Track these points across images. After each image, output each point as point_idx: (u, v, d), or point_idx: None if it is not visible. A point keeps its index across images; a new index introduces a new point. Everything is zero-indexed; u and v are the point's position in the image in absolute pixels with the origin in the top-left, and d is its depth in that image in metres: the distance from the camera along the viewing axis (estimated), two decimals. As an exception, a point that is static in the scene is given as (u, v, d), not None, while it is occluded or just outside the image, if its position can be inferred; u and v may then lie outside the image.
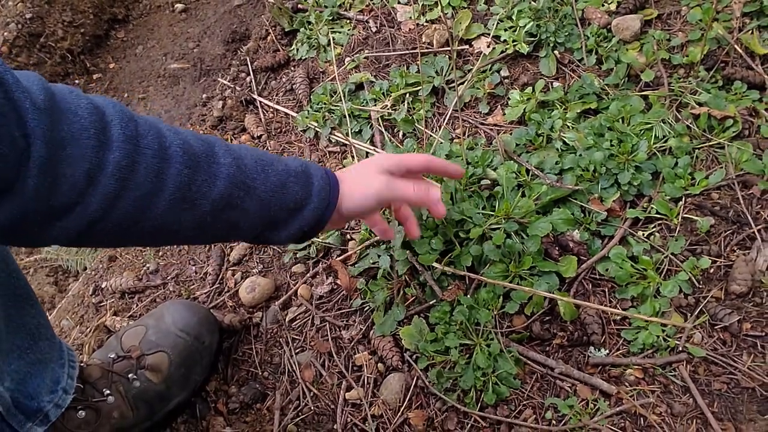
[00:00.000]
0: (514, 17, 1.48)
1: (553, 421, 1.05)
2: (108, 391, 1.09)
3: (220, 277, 1.35)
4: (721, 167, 1.19)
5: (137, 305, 1.35)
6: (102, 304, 1.38)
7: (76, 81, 2.06)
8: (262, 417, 1.18)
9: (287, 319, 1.27)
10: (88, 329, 1.31)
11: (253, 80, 1.66)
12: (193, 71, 2.00)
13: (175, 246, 1.42)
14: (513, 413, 1.07)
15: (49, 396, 0.99)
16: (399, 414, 1.11)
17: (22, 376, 0.94)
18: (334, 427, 1.13)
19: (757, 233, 1.13)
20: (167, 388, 1.15)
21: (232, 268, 1.36)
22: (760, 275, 1.09)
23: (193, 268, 1.38)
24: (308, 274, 1.31)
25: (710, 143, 1.23)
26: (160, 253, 1.43)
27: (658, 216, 1.18)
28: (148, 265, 1.40)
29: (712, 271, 1.12)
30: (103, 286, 1.40)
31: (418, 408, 1.12)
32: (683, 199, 1.18)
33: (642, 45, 1.38)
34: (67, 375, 1.03)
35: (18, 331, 0.93)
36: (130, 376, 1.12)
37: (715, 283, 1.11)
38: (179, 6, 2.20)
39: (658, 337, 1.07)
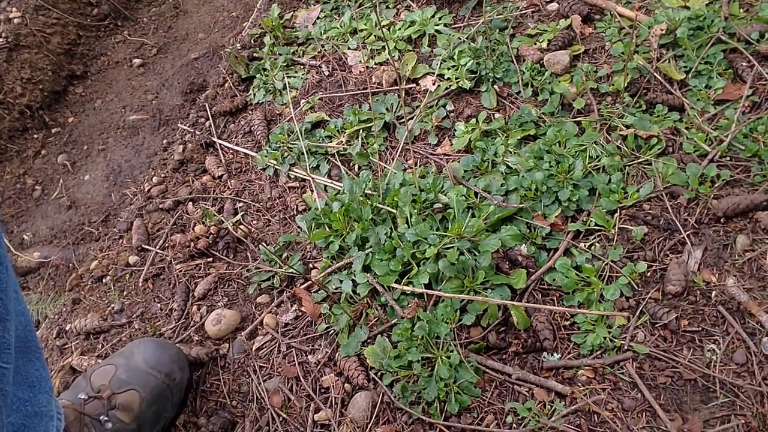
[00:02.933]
0: (455, 57, 1.61)
1: (514, 425, 1.10)
2: None
3: (186, 312, 1.37)
4: (650, 181, 1.31)
5: (103, 345, 1.36)
6: (66, 346, 1.38)
7: (35, 135, 2.09)
8: (232, 445, 1.19)
9: (254, 348, 1.30)
10: (53, 371, 1.30)
11: (212, 124, 1.73)
12: (152, 122, 2.06)
13: (139, 284, 1.44)
14: (476, 420, 1.12)
15: None
16: (367, 430, 1.14)
17: (16, 428, 0.93)
18: (304, 449, 1.15)
19: (686, 238, 1.23)
20: (138, 427, 1.15)
21: (197, 303, 1.38)
22: (692, 275, 1.18)
23: (158, 305, 1.40)
24: (273, 304, 1.35)
25: (639, 160, 1.34)
26: (125, 293, 1.44)
27: (597, 228, 1.28)
28: (112, 305, 1.42)
29: (649, 274, 1.21)
30: (67, 328, 1.40)
31: (385, 423, 1.15)
32: (618, 211, 1.29)
33: (572, 77, 1.51)
34: (54, 428, 1.02)
35: (22, 384, 0.93)
36: (101, 418, 1.11)
37: (653, 285, 1.20)
38: (137, 61, 2.28)
39: (604, 338, 1.15)
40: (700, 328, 1.14)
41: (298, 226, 1.45)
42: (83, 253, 1.72)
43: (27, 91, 2.07)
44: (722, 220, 1.23)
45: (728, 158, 1.30)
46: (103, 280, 1.49)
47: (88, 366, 1.29)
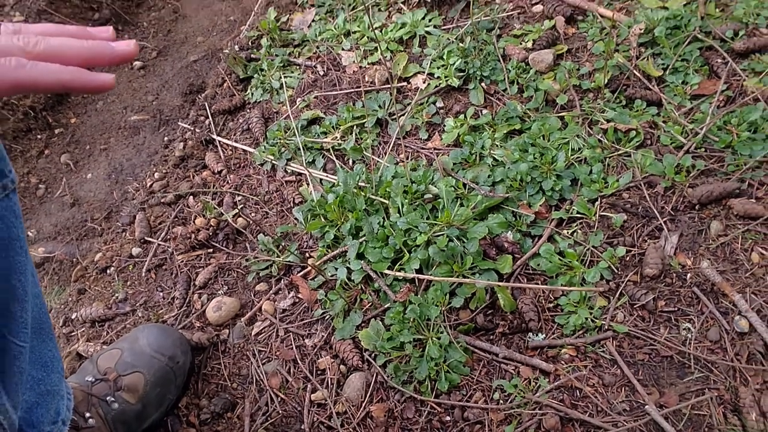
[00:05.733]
0: (444, 56, 1.68)
1: (501, 401, 1.16)
2: (89, 414, 1.14)
3: (187, 300, 1.43)
4: (629, 171, 1.38)
5: (108, 333, 1.42)
6: (73, 333, 1.43)
7: (39, 136, 2.15)
8: (232, 425, 1.25)
9: (253, 333, 1.35)
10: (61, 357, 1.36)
11: (211, 122, 1.79)
12: (153, 122, 2.12)
13: (142, 275, 1.50)
14: (465, 397, 1.18)
15: (50, 427, 1.01)
16: (362, 409, 1.20)
17: (30, 405, 0.98)
18: (302, 427, 1.21)
19: (663, 224, 1.30)
20: (143, 407, 1.21)
21: (198, 292, 1.44)
22: (669, 259, 1.25)
23: (161, 293, 1.46)
24: (271, 291, 1.41)
25: (619, 152, 1.41)
26: (128, 283, 1.50)
27: (579, 215, 1.34)
28: (116, 294, 1.47)
29: (628, 259, 1.28)
30: (73, 317, 1.46)
31: (379, 401, 1.21)
32: (599, 199, 1.35)
33: (556, 74, 1.58)
34: (65, 407, 1.06)
35: (36, 363, 0.98)
36: (108, 398, 1.17)
37: (632, 269, 1.26)
38: (137, 63, 2.34)
39: (586, 318, 1.21)
40: (676, 308, 1.20)
41: (295, 218, 1.51)
42: (87, 249, 1.78)
43: (30, 92, 2.13)
44: (697, 207, 1.30)
45: (703, 149, 1.37)
46: (107, 271, 1.55)
47: (94, 351, 1.35)
